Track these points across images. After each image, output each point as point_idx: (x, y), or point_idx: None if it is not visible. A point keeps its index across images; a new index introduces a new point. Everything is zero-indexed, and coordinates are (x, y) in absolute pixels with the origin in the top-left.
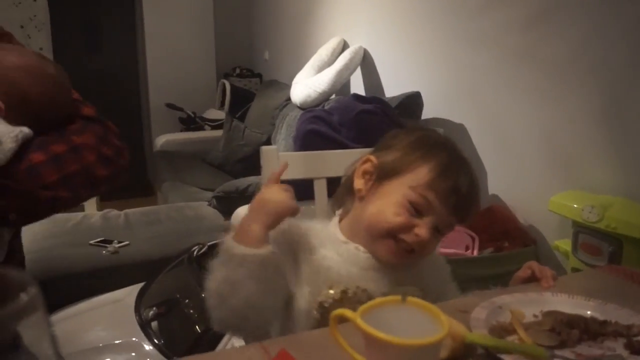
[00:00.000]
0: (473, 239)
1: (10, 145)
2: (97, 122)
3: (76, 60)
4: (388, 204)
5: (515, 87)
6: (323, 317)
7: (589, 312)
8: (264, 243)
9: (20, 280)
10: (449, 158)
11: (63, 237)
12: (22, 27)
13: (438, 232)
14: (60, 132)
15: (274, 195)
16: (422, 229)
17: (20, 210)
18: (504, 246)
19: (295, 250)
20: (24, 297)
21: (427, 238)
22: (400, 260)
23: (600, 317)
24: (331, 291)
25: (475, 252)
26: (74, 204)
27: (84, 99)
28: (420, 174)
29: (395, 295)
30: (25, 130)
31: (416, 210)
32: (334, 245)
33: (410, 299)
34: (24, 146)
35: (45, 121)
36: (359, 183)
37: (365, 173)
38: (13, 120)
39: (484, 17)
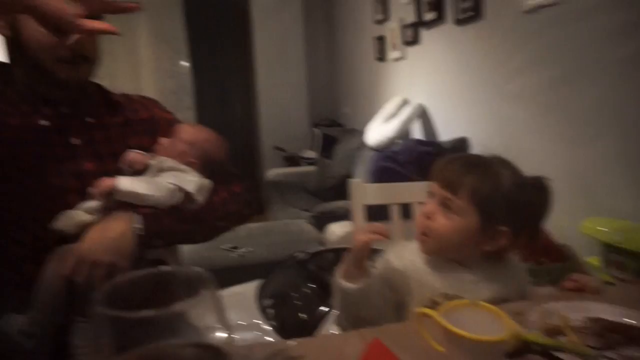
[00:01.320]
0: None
1: (206, 193)
2: (240, 178)
3: (212, 115)
4: None
5: (546, 133)
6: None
7: (628, 320)
8: (359, 278)
9: (201, 276)
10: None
11: (206, 243)
12: (175, 93)
13: (444, 208)
14: (223, 183)
15: (355, 237)
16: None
17: (204, 235)
18: (543, 261)
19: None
20: (205, 291)
21: (425, 210)
22: (422, 245)
23: (638, 324)
24: (436, 298)
25: None
26: (227, 231)
27: None
28: None
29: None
30: (209, 181)
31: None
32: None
33: (480, 303)
34: None
35: (215, 175)
36: None
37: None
38: (199, 172)
39: (519, 79)
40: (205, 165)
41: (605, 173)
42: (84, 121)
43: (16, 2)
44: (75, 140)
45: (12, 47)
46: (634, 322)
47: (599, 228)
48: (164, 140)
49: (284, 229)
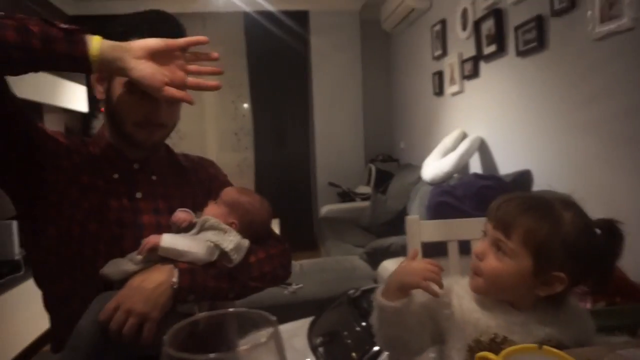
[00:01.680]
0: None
1: (243, 253)
2: (281, 241)
3: (269, 153)
4: None
5: (621, 165)
6: (468, 348)
7: None
8: (398, 297)
9: (264, 318)
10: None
11: None
12: (235, 134)
13: (496, 249)
14: (262, 244)
15: (406, 269)
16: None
17: (236, 293)
18: (617, 301)
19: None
20: (267, 331)
21: (477, 250)
22: (471, 283)
23: None
24: (481, 338)
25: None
26: (260, 292)
27: (276, 180)
28: None
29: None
30: (248, 242)
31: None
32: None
33: (546, 347)
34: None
35: (255, 236)
36: None
37: None
38: (240, 234)
39: (588, 108)
40: (246, 227)
41: None
42: (150, 178)
43: (113, 63)
44: (139, 194)
45: (105, 109)
46: None
47: None
48: (211, 201)
49: (336, 266)
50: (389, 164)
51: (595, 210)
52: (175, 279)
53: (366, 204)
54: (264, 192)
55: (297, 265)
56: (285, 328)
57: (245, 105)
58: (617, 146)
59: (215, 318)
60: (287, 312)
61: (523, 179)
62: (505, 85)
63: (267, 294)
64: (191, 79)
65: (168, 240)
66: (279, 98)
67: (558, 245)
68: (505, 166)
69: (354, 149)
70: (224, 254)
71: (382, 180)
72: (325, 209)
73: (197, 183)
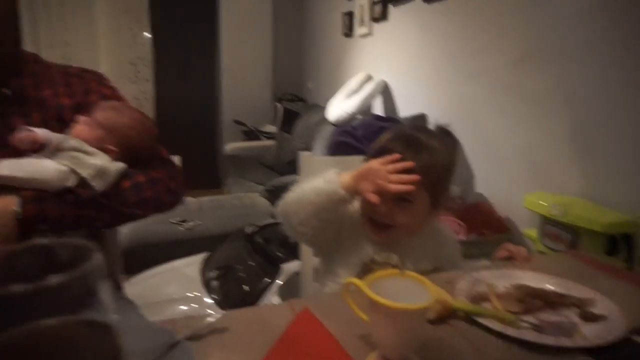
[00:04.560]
0: (461, 227)
1: (112, 178)
2: (168, 163)
3: (171, 88)
4: None
5: (501, 111)
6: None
7: (550, 287)
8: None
9: (85, 247)
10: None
11: (153, 216)
12: (133, 64)
13: (399, 201)
14: (144, 168)
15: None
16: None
17: (106, 221)
18: (484, 233)
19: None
20: (95, 259)
21: (383, 210)
22: (380, 236)
23: (559, 291)
24: (377, 257)
25: (463, 237)
26: (142, 218)
27: (178, 116)
28: None
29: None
30: (123, 165)
31: None
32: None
33: (407, 272)
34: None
35: (136, 160)
36: None
37: None
38: (117, 159)
39: (480, 58)
40: (124, 152)
41: (551, 150)
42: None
43: None
44: None
45: None
46: (556, 288)
47: (538, 202)
48: (82, 119)
49: (236, 203)
50: (297, 104)
51: (479, 149)
52: (17, 208)
53: (271, 142)
54: (165, 127)
55: (195, 202)
56: (177, 264)
57: (145, 34)
58: (499, 93)
59: (29, 250)
60: (183, 248)
61: (418, 121)
62: (411, 30)
63: (164, 230)
64: None
65: (6, 166)
66: (183, 27)
67: (443, 173)
68: (405, 109)
69: (262, 86)
70: (82, 180)
71: (289, 120)
72: (229, 147)
73: (66, 97)
